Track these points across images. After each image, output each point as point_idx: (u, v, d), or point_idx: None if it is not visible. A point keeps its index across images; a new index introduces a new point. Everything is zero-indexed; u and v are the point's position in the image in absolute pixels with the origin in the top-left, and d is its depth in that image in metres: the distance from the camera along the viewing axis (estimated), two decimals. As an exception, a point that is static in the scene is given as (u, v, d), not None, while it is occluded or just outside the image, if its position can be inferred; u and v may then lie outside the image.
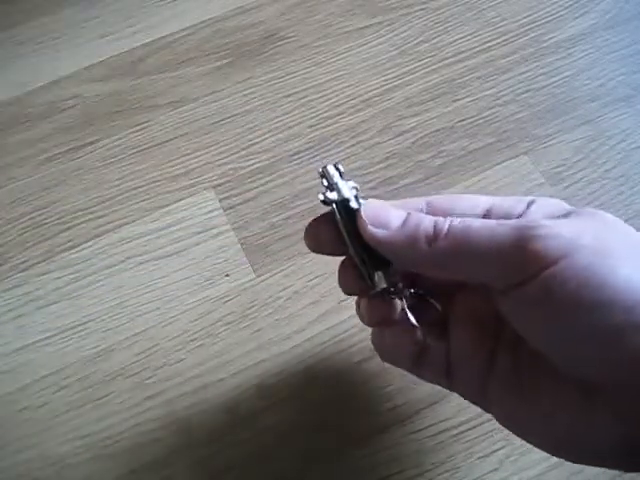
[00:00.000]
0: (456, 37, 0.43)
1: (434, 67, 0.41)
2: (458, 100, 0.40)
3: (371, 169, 0.38)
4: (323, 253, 0.26)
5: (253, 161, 0.39)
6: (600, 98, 0.40)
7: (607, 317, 0.19)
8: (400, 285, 0.24)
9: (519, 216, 0.23)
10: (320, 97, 0.41)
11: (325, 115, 0.40)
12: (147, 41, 0.44)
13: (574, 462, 0.22)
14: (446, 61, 0.42)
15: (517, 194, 0.36)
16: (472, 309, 0.25)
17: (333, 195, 0.24)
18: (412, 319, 0.24)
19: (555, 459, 0.30)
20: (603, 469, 0.29)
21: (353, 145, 0.39)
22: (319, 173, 0.25)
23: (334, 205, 0.24)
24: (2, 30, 0.46)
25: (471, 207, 0.24)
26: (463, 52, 0.42)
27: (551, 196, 0.27)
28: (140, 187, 0.39)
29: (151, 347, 0.34)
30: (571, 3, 0.43)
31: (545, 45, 0.42)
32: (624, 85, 0.40)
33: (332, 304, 0.34)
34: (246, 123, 0.40)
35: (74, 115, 0.42)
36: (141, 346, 0.34)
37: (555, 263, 0.19)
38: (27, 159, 0.40)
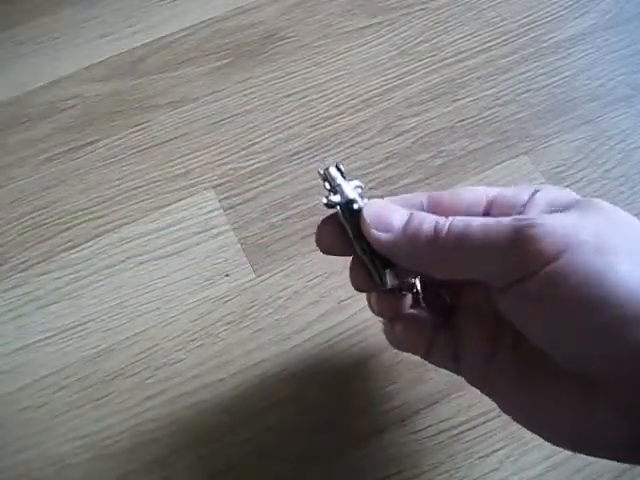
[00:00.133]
0: (456, 37, 0.43)
1: (434, 67, 0.42)
2: (458, 100, 0.40)
3: (371, 169, 0.38)
4: (334, 254, 0.26)
5: (253, 161, 0.39)
6: (600, 98, 0.40)
7: (606, 313, 0.19)
8: (410, 281, 0.25)
9: (523, 206, 0.23)
10: (320, 97, 0.41)
11: (325, 115, 0.40)
12: (147, 41, 0.44)
13: (584, 454, 0.22)
14: (446, 61, 0.42)
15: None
16: (476, 303, 0.25)
17: (336, 198, 0.24)
18: (424, 312, 0.25)
19: (555, 459, 0.30)
20: (603, 469, 0.29)
21: (353, 145, 0.39)
22: (320, 175, 0.25)
23: (338, 207, 0.24)
24: (2, 30, 0.46)
25: (474, 200, 0.24)
26: (463, 52, 0.42)
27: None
28: (140, 187, 0.39)
29: (151, 347, 0.34)
30: (571, 3, 0.43)
31: (545, 45, 0.42)
32: (624, 85, 0.40)
33: (332, 304, 0.34)
34: (246, 123, 0.40)
35: (74, 115, 0.42)
36: (141, 346, 0.34)
37: (554, 259, 0.19)
38: (27, 159, 0.40)
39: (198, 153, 0.40)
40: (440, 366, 0.26)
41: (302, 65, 0.42)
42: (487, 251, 0.21)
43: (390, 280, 0.24)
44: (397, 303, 0.26)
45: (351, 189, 0.24)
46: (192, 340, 0.34)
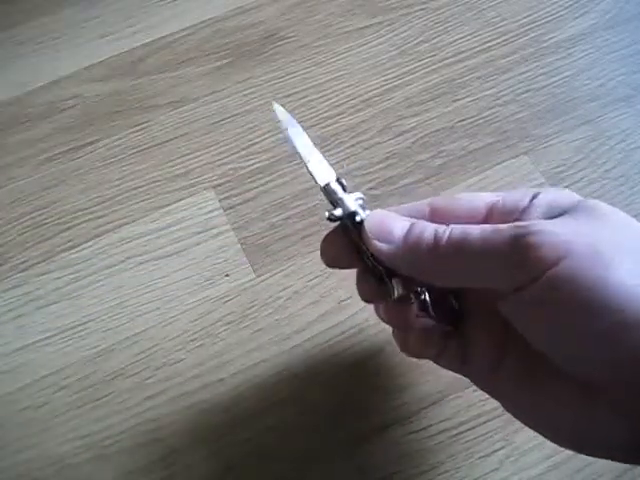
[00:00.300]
0: (456, 37, 0.43)
1: (434, 67, 0.41)
2: (458, 100, 0.40)
3: (371, 169, 0.38)
4: (339, 267, 0.26)
5: (253, 161, 0.39)
6: (600, 98, 0.40)
7: (606, 318, 0.19)
8: (418, 289, 0.25)
9: (523, 210, 0.23)
10: (320, 97, 0.41)
11: (325, 115, 0.40)
12: (147, 41, 0.44)
13: (585, 454, 0.22)
14: (446, 61, 0.42)
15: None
16: (483, 308, 0.25)
17: (338, 212, 0.24)
18: (433, 319, 0.25)
19: (556, 459, 0.30)
20: (604, 469, 0.29)
21: (353, 145, 0.39)
22: (322, 190, 0.25)
23: (341, 221, 0.25)
24: (2, 30, 0.46)
25: (473, 207, 0.24)
26: (463, 52, 0.42)
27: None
28: (140, 187, 0.39)
29: (151, 347, 0.34)
30: (571, 3, 0.43)
31: (545, 45, 0.42)
32: (624, 85, 0.40)
33: (332, 304, 0.34)
34: (246, 123, 0.40)
35: (74, 115, 0.42)
36: (141, 346, 0.34)
37: (553, 265, 0.19)
38: (27, 159, 0.40)
39: (198, 153, 0.40)
40: (447, 369, 0.26)
41: (302, 65, 0.42)
42: (487, 258, 0.21)
43: (397, 290, 0.24)
44: (406, 312, 0.26)
45: (352, 201, 0.25)
46: (192, 340, 0.34)
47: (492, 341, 0.24)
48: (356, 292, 0.26)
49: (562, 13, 0.43)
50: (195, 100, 0.42)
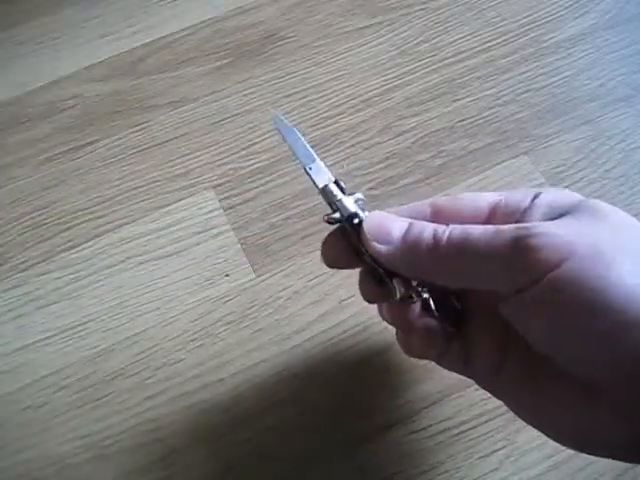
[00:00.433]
0: (456, 37, 0.43)
1: (434, 67, 0.42)
2: (458, 100, 0.40)
3: (371, 169, 0.38)
4: (340, 268, 0.26)
5: (253, 161, 0.39)
6: (600, 98, 0.40)
7: (608, 318, 0.19)
8: (419, 289, 0.25)
9: (523, 211, 0.23)
10: (320, 97, 0.41)
11: (325, 115, 0.40)
12: (147, 41, 0.44)
13: (587, 453, 0.22)
14: (446, 61, 0.42)
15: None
16: (484, 310, 0.25)
17: (336, 215, 0.25)
18: (436, 319, 0.25)
19: (556, 459, 0.30)
20: (605, 468, 0.29)
21: (353, 145, 0.39)
22: (320, 192, 0.25)
23: (340, 224, 0.25)
24: (2, 30, 0.46)
25: (476, 207, 0.24)
26: (463, 52, 0.42)
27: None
28: (140, 187, 0.39)
29: (151, 347, 0.34)
30: (571, 3, 0.43)
31: (545, 45, 0.42)
32: (624, 85, 0.40)
33: (332, 304, 0.34)
34: (246, 123, 0.40)
35: (74, 115, 0.42)
36: (141, 346, 0.34)
37: (555, 267, 0.19)
38: (27, 159, 0.40)
39: (198, 153, 0.40)
40: (450, 370, 0.26)
41: (302, 65, 0.42)
42: (488, 260, 0.21)
43: (399, 290, 0.24)
44: (408, 312, 0.26)
45: (352, 203, 0.25)
46: (192, 340, 0.34)
47: (494, 343, 0.24)
48: (357, 291, 0.26)
49: (562, 13, 0.43)
50: (195, 100, 0.42)
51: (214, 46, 0.44)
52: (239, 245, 0.36)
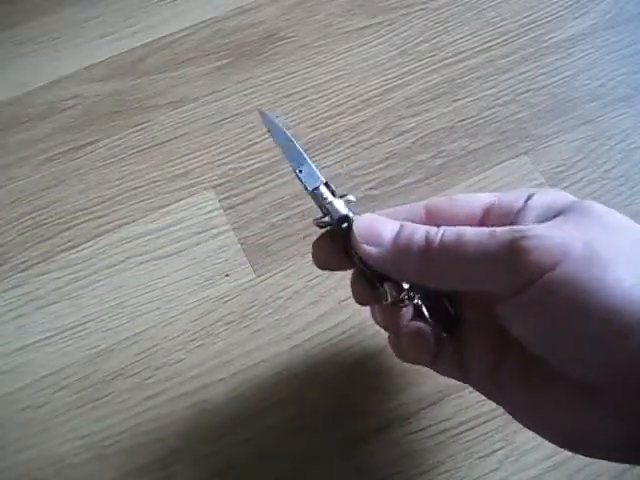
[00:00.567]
0: (456, 37, 0.43)
1: (434, 67, 0.41)
2: (458, 100, 0.40)
3: (371, 169, 0.38)
4: (331, 270, 0.26)
5: (253, 161, 0.39)
6: (600, 98, 0.40)
7: (602, 320, 0.19)
8: (411, 293, 0.24)
9: (517, 212, 0.23)
10: (320, 97, 0.41)
11: (325, 115, 0.40)
12: (147, 41, 0.44)
13: (583, 455, 0.22)
14: (446, 61, 0.42)
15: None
16: (478, 312, 0.25)
17: (326, 219, 0.24)
18: (428, 324, 0.25)
19: (555, 459, 0.30)
20: (603, 469, 0.29)
21: (353, 145, 0.39)
22: (309, 194, 0.25)
23: (330, 226, 0.24)
24: (2, 30, 0.45)
25: (471, 209, 0.24)
26: (463, 52, 0.42)
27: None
28: (140, 187, 0.39)
29: (151, 347, 0.34)
30: (571, 3, 0.43)
31: (545, 45, 0.42)
32: (624, 85, 0.40)
33: (332, 304, 0.34)
34: (246, 123, 0.40)
35: (74, 115, 0.42)
36: (141, 346, 0.34)
37: (549, 269, 0.19)
38: (27, 159, 0.40)
39: (198, 153, 0.40)
40: (446, 375, 0.26)
41: (302, 65, 0.42)
42: (481, 262, 0.21)
43: (390, 294, 0.24)
44: (400, 316, 0.26)
45: (342, 205, 0.24)
46: (192, 340, 0.34)
47: (488, 345, 0.24)
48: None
49: (562, 13, 0.43)
50: (195, 100, 0.42)
51: (214, 46, 0.44)
52: (239, 245, 0.36)
